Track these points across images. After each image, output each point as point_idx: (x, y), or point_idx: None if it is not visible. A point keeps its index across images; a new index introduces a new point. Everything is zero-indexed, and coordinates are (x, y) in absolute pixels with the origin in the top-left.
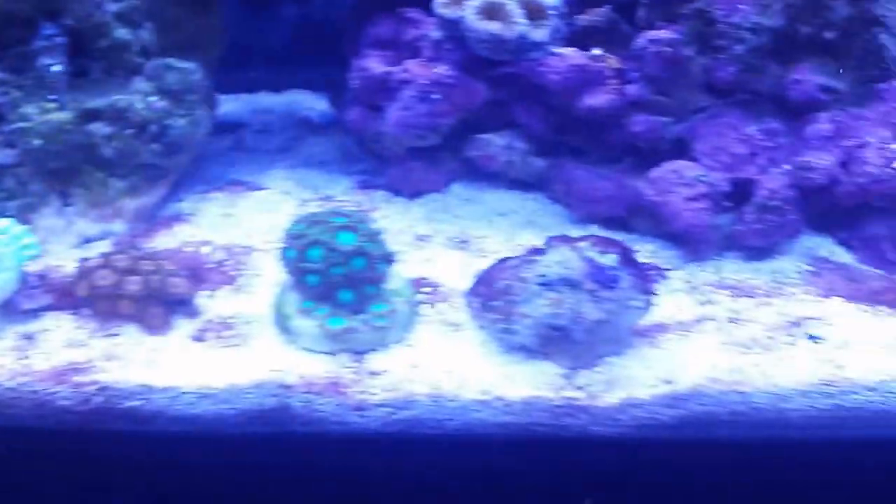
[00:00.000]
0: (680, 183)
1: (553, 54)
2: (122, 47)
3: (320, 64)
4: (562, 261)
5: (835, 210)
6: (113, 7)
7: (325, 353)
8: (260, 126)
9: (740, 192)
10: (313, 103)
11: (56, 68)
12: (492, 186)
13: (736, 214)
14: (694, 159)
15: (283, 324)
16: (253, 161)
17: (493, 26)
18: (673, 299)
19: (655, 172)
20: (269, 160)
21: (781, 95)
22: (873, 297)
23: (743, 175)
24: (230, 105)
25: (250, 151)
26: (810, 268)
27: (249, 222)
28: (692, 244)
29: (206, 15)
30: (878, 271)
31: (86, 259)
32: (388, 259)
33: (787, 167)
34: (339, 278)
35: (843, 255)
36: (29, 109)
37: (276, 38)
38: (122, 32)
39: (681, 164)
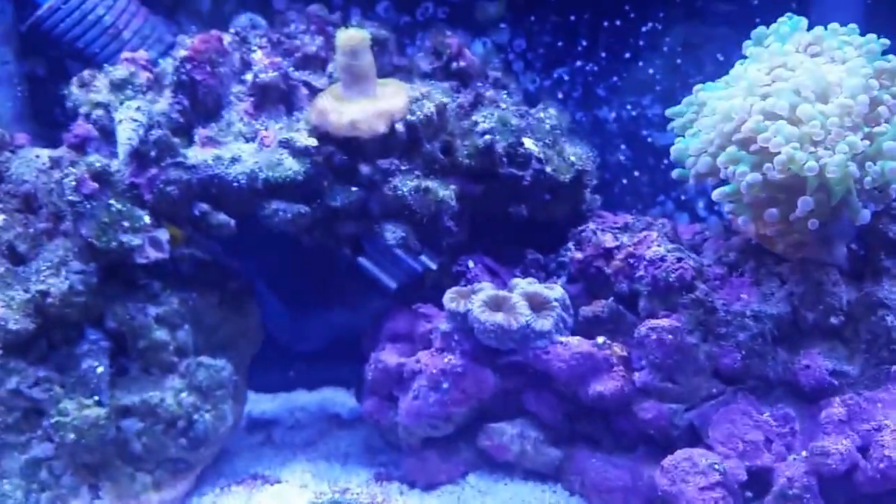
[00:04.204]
0: (694, 472)
1: (558, 343)
2: (160, 347)
3: (352, 361)
4: None
5: (859, 498)
6: (154, 311)
7: None
8: (291, 422)
9: (758, 480)
10: (345, 400)
11: (99, 370)
12: (507, 477)
13: None
14: (708, 447)
15: None
16: (278, 455)
17: (498, 317)
18: None
19: (668, 461)
20: (292, 454)
21: (792, 381)
22: None
23: (759, 462)
24: (266, 404)
25: (277, 447)
26: None
27: None
28: None
29: (242, 317)
30: None
31: None
32: None
33: (804, 454)
34: None
35: None
36: (68, 405)
37: (312, 338)
38: (160, 334)
39: (694, 452)
